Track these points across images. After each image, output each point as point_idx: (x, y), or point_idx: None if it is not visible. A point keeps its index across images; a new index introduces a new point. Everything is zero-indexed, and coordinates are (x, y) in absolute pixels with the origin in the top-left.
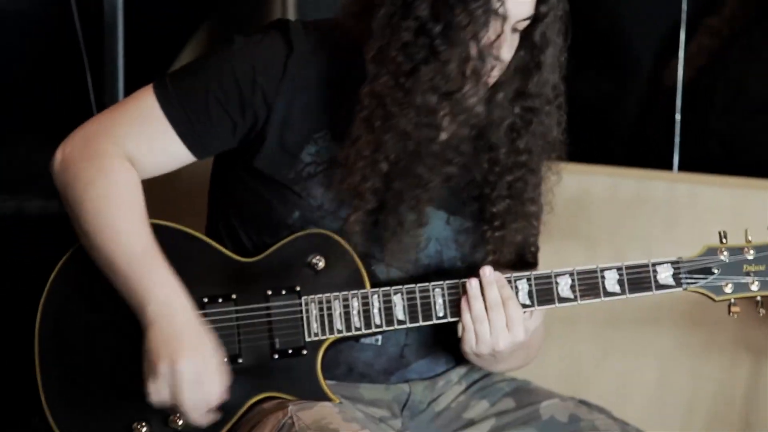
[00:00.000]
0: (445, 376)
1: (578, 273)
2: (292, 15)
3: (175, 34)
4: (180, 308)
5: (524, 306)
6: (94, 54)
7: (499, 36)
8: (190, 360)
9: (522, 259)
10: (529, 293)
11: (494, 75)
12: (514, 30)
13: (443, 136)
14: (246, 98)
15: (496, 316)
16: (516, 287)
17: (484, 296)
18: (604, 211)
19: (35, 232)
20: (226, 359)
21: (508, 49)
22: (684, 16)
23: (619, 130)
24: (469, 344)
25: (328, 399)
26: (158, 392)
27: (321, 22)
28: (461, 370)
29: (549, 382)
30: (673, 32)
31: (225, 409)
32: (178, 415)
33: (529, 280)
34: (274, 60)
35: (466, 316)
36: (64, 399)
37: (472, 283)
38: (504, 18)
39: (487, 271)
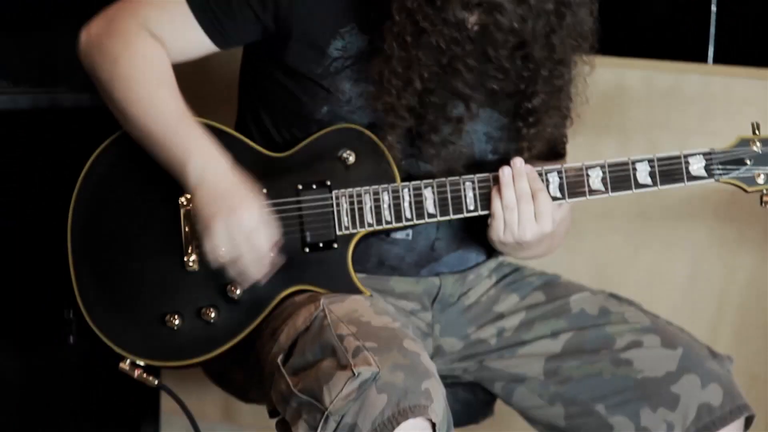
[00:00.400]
0: (475, 270)
1: (609, 165)
2: None
3: None
4: (221, 166)
5: (554, 198)
6: None
7: None
8: (244, 212)
9: (552, 151)
10: (560, 186)
11: None
12: None
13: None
14: None
15: (525, 206)
16: (547, 180)
17: (514, 186)
18: (637, 104)
19: (68, 125)
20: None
21: None
22: None
23: (654, 22)
24: (497, 232)
25: (359, 292)
26: (216, 250)
27: None
28: (491, 264)
29: (580, 276)
30: None
31: (257, 299)
32: (234, 285)
33: (560, 172)
34: None
35: (496, 203)
36: (97, 291)
37: (505, 171)
38: None
39: (518, 162)
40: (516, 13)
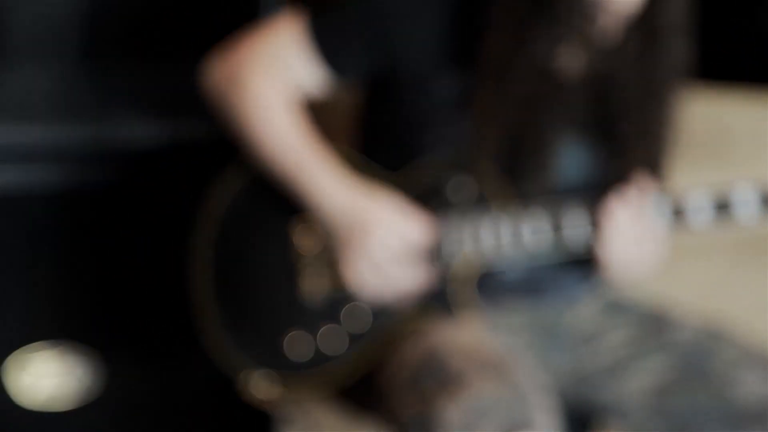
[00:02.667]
0: (581, 297)
1: (715, 194)
2: None
3: None
4: (346, 186)
5: (659, 224)
6: None
7: None
8: (378, 232)
9: (651, 177)
10: (665, 212)
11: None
12: None
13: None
14: (384, 27)
15: (631, 230)
16: (652, 206)
17: (621, 213)
18: (743, 136)
19: (191, 155)
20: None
21: None
22: None
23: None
24: (603, 254)
25: (471, 320)
26: (359, 281)
27: None
28: (597, 292)
29: (684, 306)
30: None
31: (379, 325)
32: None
33: (666, 198)
34: None
35: (603, 227)
36: (222, 313)
37: (611, 199)
38: None
39: (625, 189)
40: (610, 52)
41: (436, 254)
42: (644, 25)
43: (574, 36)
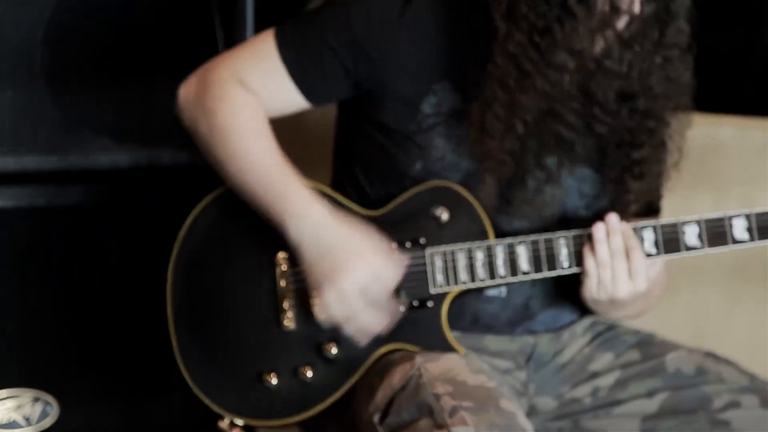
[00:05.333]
0: (569, 328)
1: (705, 221)
2: None
3: None
4: (321, 217)
5: (649, 255)
6: (224, 5)
7: None
8: (351, 268)
9: (649, 207)
10: (655, 242)
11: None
12: None
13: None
14: (360, 47)
15: (618, 264)
16: (641, 236)
17: (608, 243)
18: (732, 159)
19: (167, 183)
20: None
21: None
22: None
23: (747, 79)
24: (590, 290)
25: (454, 350)
26: (328, 315)
27: None
28: (586, 322)
29: (675, 334)
30: None
31: (353, 358)
32: (330, 344)
33: (654, 228)
34: (391, 11)
35: (589, 260)
36: (196, 350)
37: (599, 228)
38: None
39: (612, 218)
40: (624, 57)
41: (411, 292)
42: (656, 44)
43: (584, 57)
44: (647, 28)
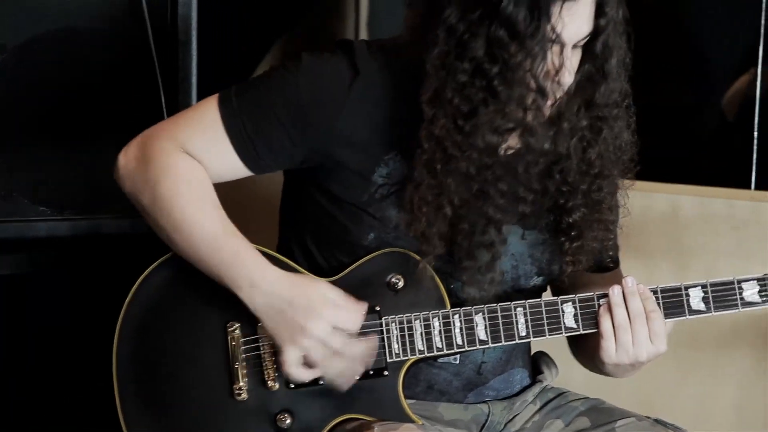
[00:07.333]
0: (521, 396)
1: (662, 291)
2: (363, 31)
3: (249, 53)
4: (273, 281)
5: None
6: (167, 73)
7: (558, 63)
8: (310, 326)
9: (601, 265)
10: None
11: (558, 96)
12: (575, 46)
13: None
14: (307, 119)
15: (639, 327)
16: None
17: (627, 306)
18: (690, 229)
19: (110, 252)
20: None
21: (569, 72)
22: (762, 30)
23: (699, 148)
24: (608, 353)
25: (410, 420)
26: (295, 376)
27: (385, 41)
28: (536, 389)
29: (624, 401)
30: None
31: (307, 429)
32: (283, 415)
33: (655, 293)
34: (340, 82)
35: (606, 323)
36: (144, 421)
37: (615, 291)
38: (562, 45)
39: (629, 281)
40: (548, 135)
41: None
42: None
43: (520, 125)
44: (573, 102)
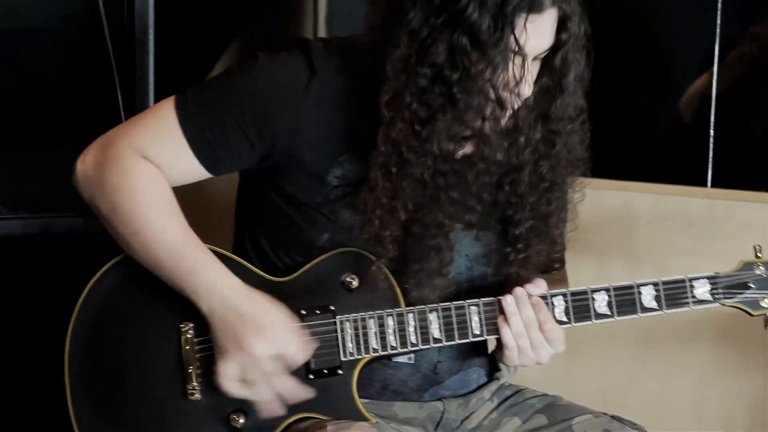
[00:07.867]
0: (477, 393)
1: (615, 289)
2: (322, 29)
3: (206, 51)
4: (230, 289)
5: (560, 322)
6: (124, 72)
7: (519, 74)
8: (255, 342)
9: (550, 263)
10: (566, 310)
11: (515, 108)
12: (534, 59)
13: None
14: (264, 119)
15: (534, 334)
16: (552, 304)
17: (520, 314)
18: (645, 227)
19: (61, 251)
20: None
21: (529, 84)
22: (718, 30)
23: (655, 147)
24: (512, 360)
25: (365, 419)
26: (229, 387)
27: (343, 40)
28: (493, 387)
29: (582, 398)
30: (708, 48)
31: (261, 428)
32: (236, 414)
33: (565, 296)
34: (296, 82)
35: (505, 331)
36: (96, 421)
37: (508, 300)
38: (524, 57)
39: (518, 291)
40: (502, 145)
41: (321, 359)
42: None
43: (477, 134)
44: (529, 114)
